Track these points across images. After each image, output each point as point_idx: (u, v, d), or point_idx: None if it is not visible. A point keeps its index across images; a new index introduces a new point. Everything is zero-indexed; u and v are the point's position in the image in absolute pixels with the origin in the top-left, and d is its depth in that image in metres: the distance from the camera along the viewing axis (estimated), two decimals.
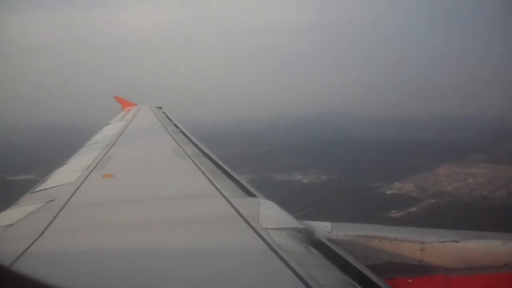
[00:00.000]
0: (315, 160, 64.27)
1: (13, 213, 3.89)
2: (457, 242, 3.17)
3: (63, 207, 3.88)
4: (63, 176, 5.53)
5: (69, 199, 4.18)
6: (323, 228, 3.34)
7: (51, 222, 3.41)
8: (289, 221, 3.28)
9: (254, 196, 4.08)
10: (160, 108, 13.72)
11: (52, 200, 4.18)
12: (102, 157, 6.39)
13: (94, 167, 5.68)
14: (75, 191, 4.49)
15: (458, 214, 39.94)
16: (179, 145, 7.10)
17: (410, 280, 3.11)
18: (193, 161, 5.74)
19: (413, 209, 43.16)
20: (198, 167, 5.36)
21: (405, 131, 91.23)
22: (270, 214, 3.37)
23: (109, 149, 7.10)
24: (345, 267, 2.70)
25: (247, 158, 58.46)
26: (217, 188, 4.25)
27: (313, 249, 2.86)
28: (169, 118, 11.15)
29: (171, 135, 8.35)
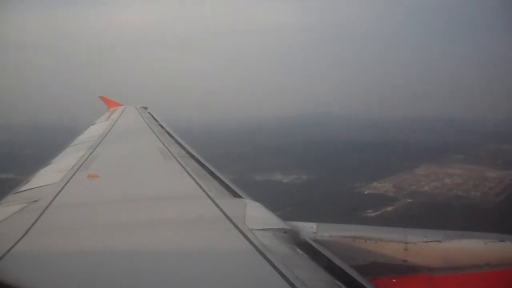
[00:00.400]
0: (299, 160, 64.87)
1: None
2: (441, 242, 3.21)
3: (46, 208, 3.85)
4: (47, 176, 5.49)
5: (53, 199, 4.14)
6: (308, 228, 3.36)
7: (34, 222, 3.39)
8: (275, 222, 3.29)
9: (240, 197, 4.09)
10: (146, 108, 13.75)
11: (36, 201, 4.15)
12: (87, 158, 6.37)
13: (79, 168, 5.66)
14: (59, 192, 4.46)
15: (433, 213, 40.79)
16: (164, 145, 7.11)
17: (394, 280, 3.15)
18: (178, 161, 5.75)
19: (389, 208, 43.96)
20: (183, 167, 5.35)
21: (390, 132, 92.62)
22: (256, 215, 3.38)
23: (94, 149, 7.09)
24: (330, 267, 2.73)
25: (230, 158, 58.67)
26: (202, 189, 4.25)
27: (298, 250, 2.88)
28: (155, 119, 11.19)
29: (156, 135, 8.38)
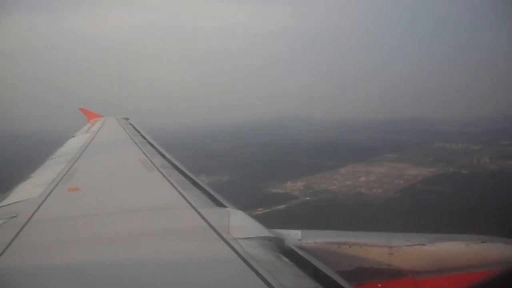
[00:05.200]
0: (231, 163, 65.96)
1: None
2: (424, 245, 3.31)
3: (26, 223, 3.81)
4: (27, 191, 5.42)
5: (32, 214, 4.10)
6: (293, 236, 3.44)
7: (13, 239, 3.34)
8: (260, 230, 3.32)
9: (223, 206, 4.12)
10: (126, 119, 13.50)
11: (15, 216, 4.09)
12: (68, 171, 6.29)
13: (59, 181, 5.61)
14: (39, 206, 4.41)
15: (318, 210, 42.37)
16: (147, 156, 7.10)
17: (380, 285, 3.21)
18: (161, 172, 5.73)
19: (281, 206, 45.23)
20: (166, 178, 5.34)
21: (338, 133, 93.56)
22: (240, 224, 3.41)
23: (75, 162, 7.02)
24: (316, 274, 2.78)
25: None
26: (186, 199, 4.27)
27: (283, 258, 2.90)
28: (136, 129, 11.10)
29: (138, 146, 8.35)
